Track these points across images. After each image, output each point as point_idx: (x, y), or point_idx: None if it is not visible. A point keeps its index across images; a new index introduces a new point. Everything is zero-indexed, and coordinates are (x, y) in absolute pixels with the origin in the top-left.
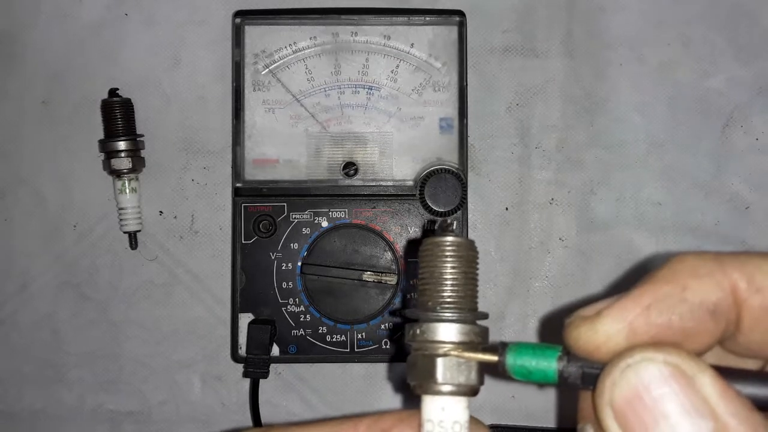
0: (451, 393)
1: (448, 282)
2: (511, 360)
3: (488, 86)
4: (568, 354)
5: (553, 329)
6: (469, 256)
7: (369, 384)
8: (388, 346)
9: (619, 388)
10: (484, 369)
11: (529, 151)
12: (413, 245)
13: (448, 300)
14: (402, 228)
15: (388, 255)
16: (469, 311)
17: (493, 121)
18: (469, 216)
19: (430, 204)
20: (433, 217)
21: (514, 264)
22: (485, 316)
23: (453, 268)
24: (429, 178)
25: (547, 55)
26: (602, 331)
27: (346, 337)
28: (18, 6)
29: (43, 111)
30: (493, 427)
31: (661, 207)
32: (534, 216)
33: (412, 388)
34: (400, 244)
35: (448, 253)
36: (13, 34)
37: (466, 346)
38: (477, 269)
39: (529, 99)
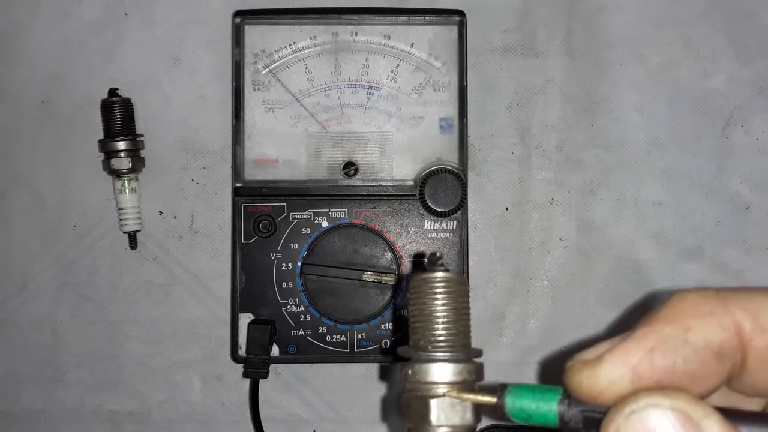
0: None
1: (440, 320)
2: (510, 403)
3: (488, 86)
4: (569, 397)
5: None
6: (459, 291)
7: (369, 384)
8: (388, 346)
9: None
10: (482, 408)
11: (529, 151)
12: (410, 277)
13: (440, 339)
14: (402, 228)
15: (388, 255)
16: (462, 348)
17: (493, 121)
18: (469, 216)
19: (430, 204)
20: (433, 218)
21: (514, 264)
22: (479, 353)
23: (444, 305)
24: (429, 178)
25: (547, 55)
26: (605, 377)
27: (346, 337)
28: (18, 6)
29: (43, 111)
30: (493, 427)
31: (661, 207)
32: (534, 216)
33: (407, 431)
34: (400, 244)
35: (438, 290)
36: (13, 34)
37: (460, 385)
38: (468, 303)
39: (529, 99)
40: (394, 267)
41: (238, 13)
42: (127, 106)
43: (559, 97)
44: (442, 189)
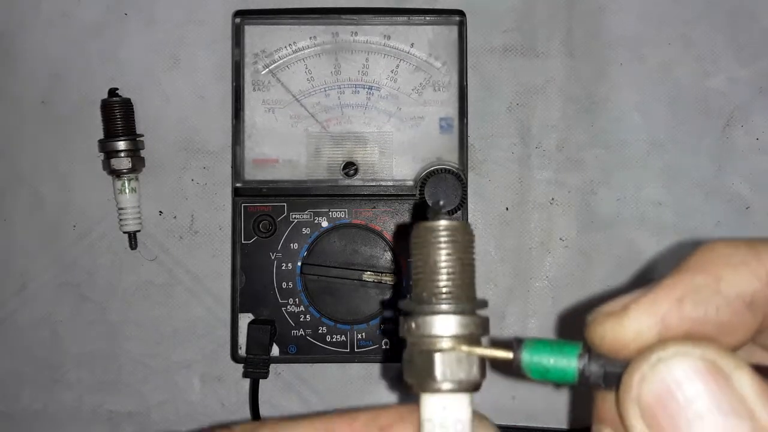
0: (452, 390)
1: (444, 270)
2: (528, 357)
3: (488, 86)
4: (590, 351)
5: (562, 329)
6: (464, 241)
7: (369, 384)
8: (388, 346)
9: (649, 383)
10: (496, 364)
11: (529, 151)
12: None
13: (444, 290)
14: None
15: (388, 255)
16: (468, 300)
17: (493, 121)
18: (469, 216)
19: (430, 204)
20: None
21: (514, 264)
22: (484, 304)
23: (448, 255)
24: (429, 178)
25: (547, 55)
26: (631, 327)
27: (346, 337)
28: (18, 6)
29: (43, 111)
30: None
31: (662, 207)
32: (534, 216)
33: (410, 387)
34: (400, 245)
35: (441, 239)
36: (13, 34)
37: (465, 338)
38: (473, 254)
39: (529, 99)
40: (393, 267)
41: (238, 13)
42: (127, 106)
43: (559, 97)
44: (442, 189)
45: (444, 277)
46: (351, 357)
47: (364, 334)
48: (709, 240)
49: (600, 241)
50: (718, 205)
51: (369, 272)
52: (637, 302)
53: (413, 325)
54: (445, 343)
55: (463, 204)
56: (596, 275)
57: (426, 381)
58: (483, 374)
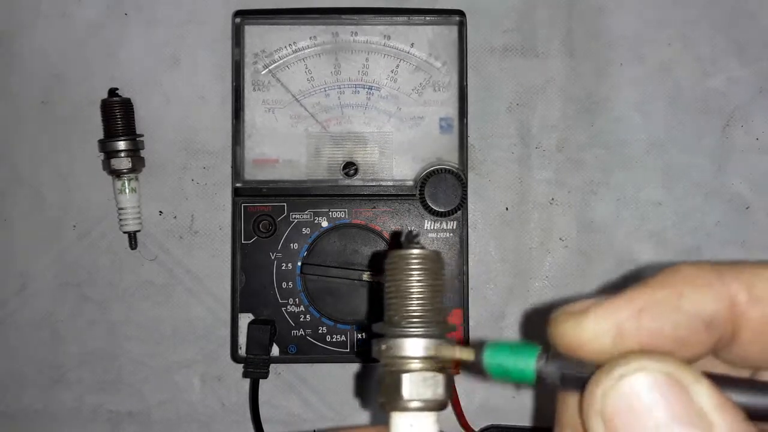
0: (419, 409)
1: (414, 296)
2: (489, 358)
3: (488, 86)
4: (548, 353)
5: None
6: (434, 268)
7: (369, 384)
8: None
9: (611, 398)
10: (464, 367)
11: (529, 151)
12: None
13: (414, 314)
14: (402, 228)
15: (387, 246)
16: (436, 324)
17: (493, 121)
18: (469, 216)
19: (430, 204)
20: (433, 218)
21: (514, 264)
22: (453, 328)
23: (418, 281)
24: (429, 178)
25: (547, 55)
26: (588, 329)
27: (346, 337)
28: (18, 6)
29: (43, 111)
30: (493, 427)
31: (662, 207)
32: (534, 216)
33: (380, 406)
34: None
35: (413, 266)
36: (13, 34)
37: (432, 360)
38: (442, 281)
39: (529, 99)
40: None
41: (238, 13)
42: (127, 106)
43: (559, 97)
44: (442, 189)
45: (414, 302)
46: (351, 357)
47: (364, 334)
48: (704, 243)
49: (600, 241)
50: (718, 205)
51: (369, 272)
52: (597, 306)
53: (383, 346)
54: (414, 365)
55: (463, 204)
56: (596, 275)
57: (395, 400)
58: (449, 393)
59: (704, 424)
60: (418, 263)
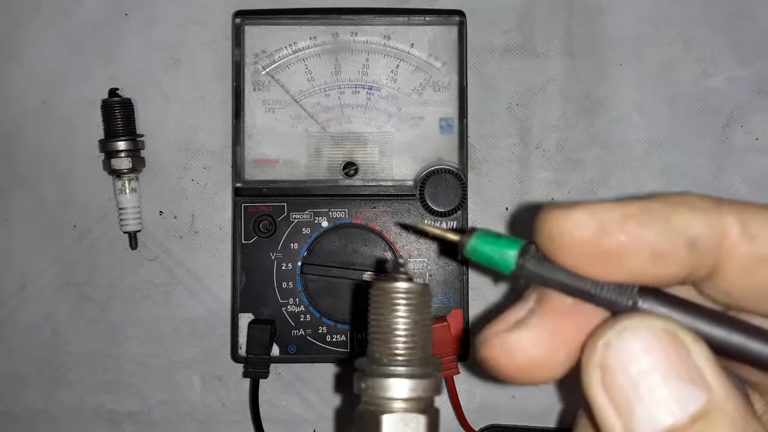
0: None
1: (398, 333)
2: (473, 242)
3: (488, 86)
4: (530, 249)
5: None
6: (420, 303)
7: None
8: None
9: (613, 350)
10: (450, 253)
11: (529, 151)
12: (364, 292)
13: (397, 353)
14: (402, 228)
15: (388, 255)
16: (420, 364)
17: (493, 121)
18: (469, 216)
19: (430, 204)
20: (433, 218)
21: None
22: (438, 365)
23: (403, 318)
24: (429, 178)
25: (547, 55)
26: (572, 218)
27: (346, 337)
28: (18, 6)
29: (43, 111)
30: (493, 427)
31: None
32: (534, 216)
33: None
34: (400, 244)
35: (398, 302)
36: (13, 34)
37: (415, 402)
38: (430, 314)
39: (529, 99)
40: None
41: (238, 14)
42: (127, 106)
43: (559, 97)
44: (442, 189)
45: (398, 339)
46: (351, 357)
47: (364, 334)
48: None
49: None
50: None
51: (369, 272)
52: (587, 203)
53: (363, 384)
54: (395, 405)
55: (463, 204)
56: None
57: None
58: None
59: (702, 384)
60: (403, 298)
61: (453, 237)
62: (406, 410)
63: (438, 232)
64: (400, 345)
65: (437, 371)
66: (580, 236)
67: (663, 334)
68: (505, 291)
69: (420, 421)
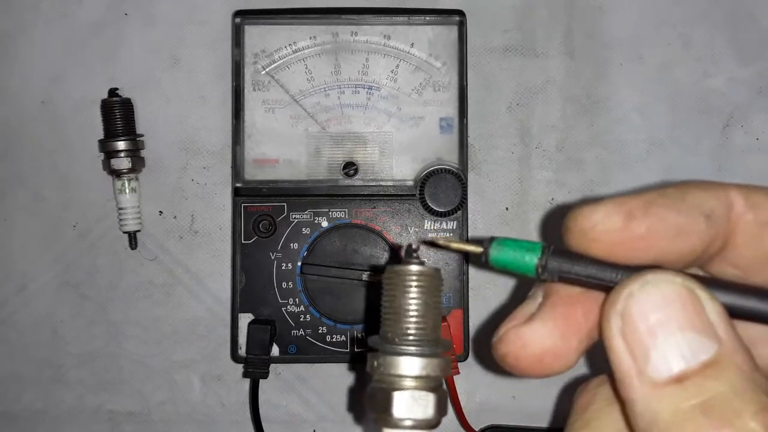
0: (409, 428)
1: (410, 313)
2: (494, 250)
3: (488, 86)
4: (551, 249)
5: None
6: (432, 285)
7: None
8: None
9: (635, 300)
10: (471, 259)
11: (529, 151)
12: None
13: (409, 332)
14: (402, 228)
15: (388, 255)
16: (431, 343)
17: (493, 121)
18: (469, 216)
19: (430, 204)
20: (433, 218)
21: None
22: (448, 346)
23: (415, 298)
24: (429, 178)
25: (547, 55)
26: (602, 210)
27: (346, 337)
28: (18, 6)
29: (43, 111)
30: (493, 427)
31: None
32: (534, 216)
33: (373, 420)
34: (400, 245)
35: (410, 283)
36: (13, 34)
37: (425, 380)
38: (440, 297)
39: (529, 99)
40: None
41: (238, 13)
42: (127, 106)
43: (559, 97)
44: (442, 189)
45: (410, 320)
46: (351, 357)
47: (364, 334)
48: None
49: None
50: None
51: (369, 272)
52: (611, 198)
53: (376, 363)
54: (406, 383)
55: (463, 204)
56: None
57: (385, 417)
58: (440, 413)
59: (713, 336)
60: (415, 280)
61: (474, 249)
62: (416, 388)
63: (459, 246)
64: (412, 325)
65: (447, 351)
66: (612, 225)
67: (682, 289)
68: (505, 292)
69: (429, 399)
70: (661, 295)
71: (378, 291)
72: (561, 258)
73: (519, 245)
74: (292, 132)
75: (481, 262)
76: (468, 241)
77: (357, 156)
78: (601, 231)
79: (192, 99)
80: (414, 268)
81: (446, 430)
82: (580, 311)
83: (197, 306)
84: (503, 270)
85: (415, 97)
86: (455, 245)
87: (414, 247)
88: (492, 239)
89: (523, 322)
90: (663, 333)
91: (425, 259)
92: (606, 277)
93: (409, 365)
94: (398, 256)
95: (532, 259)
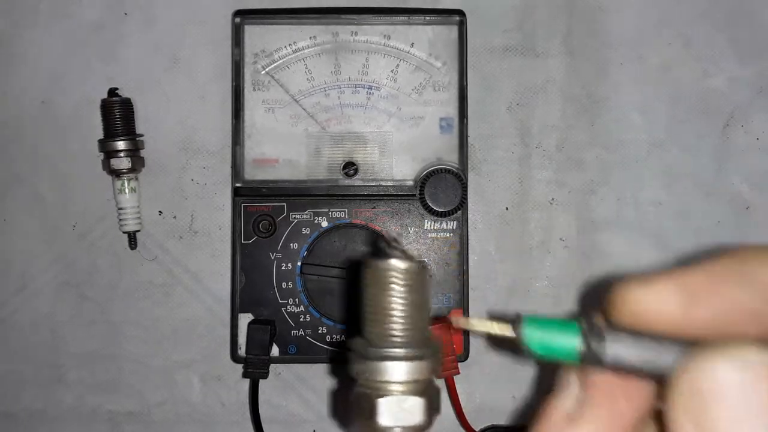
0: None
1: (395, 315)
2: (530, 334)
3: (488, 86)
4: (591, 329)
5: None
6: (417, 282)
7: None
8: None
9: (711, 377)
10: (498, 342)
11: (529, 151)
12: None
13: (394, 335)
14: (402, 228)
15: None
16: (417, 345)
17: (493, 121)
18: (469, 216)
19: (430, 204)
20: (433, 218)
21: (514, 264)
22: (437, 347)
23: (399, 298)
24: (429, 178)
25: (547, 55)
26: (657, 292)
27: (346, 337)
28: (18, 6)
29: (43, 111)
30: (493, 427)
31: (662, 207)
32: (534, 216)
33: (358, 427)
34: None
35: (393, 282)
36: (13, 34)
37: (412, 385)
38: (428, 293)
39: (529, 99)
40: None
41: (238, 13)
42: (127, 106)
43: (559, 97)
44: (442, 189)
45: (394, 321)
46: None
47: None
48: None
49: (600, 241)
50: (718, 205)
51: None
52: (667, 273)
53: (358, 368)
54: (392, 388)
55: (463, 204)
56: (596, 275)
57: (370, 424)
58: (431, 415)
59: None
60: (399, 278)
61: (506, 333)
62: (403, 392)
63: (486, 329)
64: (396, 327)
65: (435, 352)
66: (669, 312)
67: (760, 369)
68: (505, 292)
69: (417, 404)
70: (738, 375)
71: (358, 288)
72: (610, 341)
73: (554, 326)
74: (292, 132)
75: (521, 349)
76: (493, 319)
77: (357, 156)
78: (655, 318)
79: (192, 99)
80: (397, 263)
81: (446, 430)
82: (625, 406)
83: (197, 306)
84: (543, 356)
85: (415, 97)
86: (482, 328)
87: (395, 237)
88: (520, 318)
89: (566, 427)
90: (738, 416)
91: (407, 248)
92: (664, 363)
93: (395, 370)
94: (378, 245)
95: (572, 343)
